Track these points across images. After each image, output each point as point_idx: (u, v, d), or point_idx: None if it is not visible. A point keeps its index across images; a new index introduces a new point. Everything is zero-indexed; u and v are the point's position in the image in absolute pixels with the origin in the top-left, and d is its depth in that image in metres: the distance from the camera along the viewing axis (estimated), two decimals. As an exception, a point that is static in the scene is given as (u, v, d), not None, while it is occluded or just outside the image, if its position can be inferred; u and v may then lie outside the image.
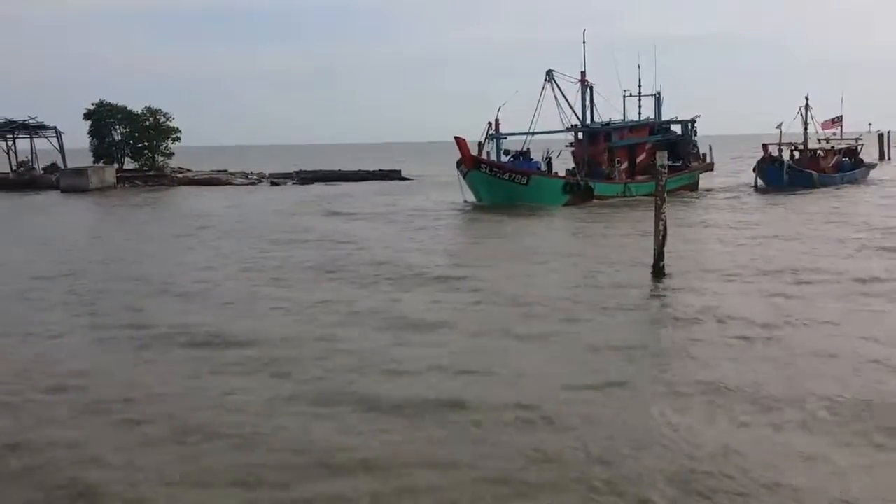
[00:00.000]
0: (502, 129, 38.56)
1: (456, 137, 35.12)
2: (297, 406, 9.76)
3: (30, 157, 59.44)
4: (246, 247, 24.42)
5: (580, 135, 40.47)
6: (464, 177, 36.52)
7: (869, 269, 18.14)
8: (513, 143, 39.47)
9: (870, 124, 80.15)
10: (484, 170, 35.84)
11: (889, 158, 64.59)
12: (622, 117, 42.28)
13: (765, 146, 43.76)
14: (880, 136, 66.43)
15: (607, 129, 40.50)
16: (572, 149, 40.81)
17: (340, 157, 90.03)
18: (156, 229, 30.52)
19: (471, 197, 37.03)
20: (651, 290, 16.38)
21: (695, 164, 42.98)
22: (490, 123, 37.46)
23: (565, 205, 36.18)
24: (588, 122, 40.56)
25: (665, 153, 18.80)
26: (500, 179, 35.78)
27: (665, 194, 17.57)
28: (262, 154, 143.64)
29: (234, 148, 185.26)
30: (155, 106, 63.58)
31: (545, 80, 38.55)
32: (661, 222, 16.77)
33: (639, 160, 41.43)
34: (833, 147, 46.18)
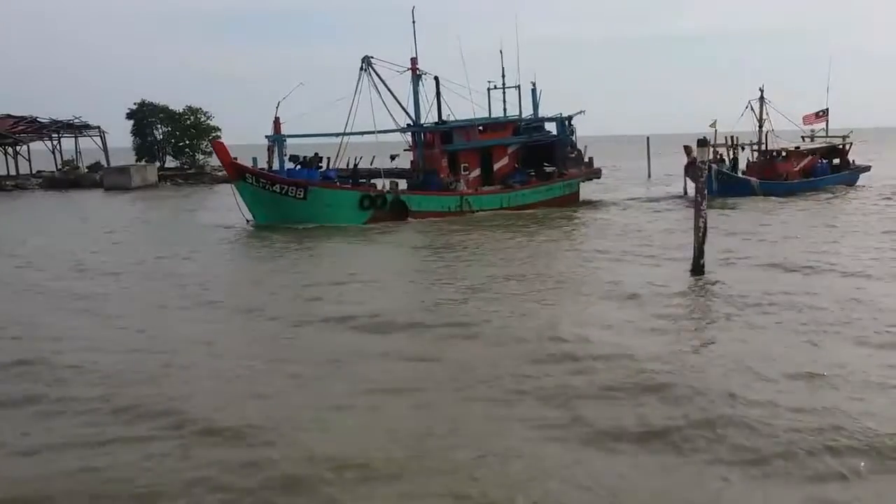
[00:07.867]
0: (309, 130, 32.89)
1: (213, 142, 30.37)
2: None
3: (74, 157, 63.33)
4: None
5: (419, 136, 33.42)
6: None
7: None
8: (358, 148, 33.43)
9: None
10: (250, 181, 30.55)
11: None
12: (487, 114, 34.37)
13: (687, 148, 32.78)
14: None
15: (445, 129, 32.90)
16: (399, 154, 33.77)
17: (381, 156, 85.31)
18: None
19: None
20: None
21: (574, 170, 33.74)
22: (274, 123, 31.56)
23: (366, 223, 29.90)
24: (436, 120, 33.29)
25: (706, 149, 17.57)
26: (272, 193, 30.25)
27: (705, 191, 17.49)
28: (302, 151, 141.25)
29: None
30: (195, 105, 65.03)
31: (361, 68, 32.07)
32: (700, 220, 17.35)
33: (497, 167, 33.50)
34: (798, 147, 33.76)
